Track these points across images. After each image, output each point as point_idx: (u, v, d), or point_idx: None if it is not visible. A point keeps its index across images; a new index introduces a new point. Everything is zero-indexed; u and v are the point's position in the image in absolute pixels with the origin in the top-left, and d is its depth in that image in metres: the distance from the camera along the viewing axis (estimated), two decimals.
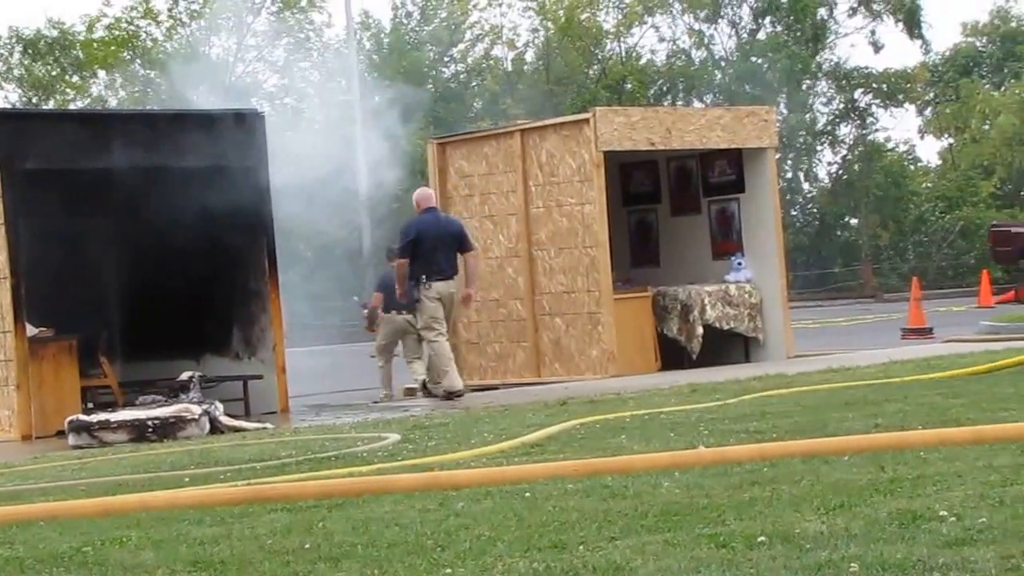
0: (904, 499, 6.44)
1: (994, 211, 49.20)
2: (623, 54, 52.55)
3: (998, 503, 6.12)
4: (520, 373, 19.18)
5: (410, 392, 19.08)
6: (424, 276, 16.80)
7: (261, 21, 49.29)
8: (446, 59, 53.02)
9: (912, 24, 51.61)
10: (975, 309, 31.02)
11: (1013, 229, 41.10)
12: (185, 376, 16.41)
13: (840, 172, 53.19)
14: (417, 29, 52.35)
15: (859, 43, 58.65)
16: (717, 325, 19.13)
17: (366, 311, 19.26)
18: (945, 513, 5.96)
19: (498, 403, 15.06)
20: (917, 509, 6.10)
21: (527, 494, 7.54)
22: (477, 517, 6.94)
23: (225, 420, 14.67)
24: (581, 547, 5.97)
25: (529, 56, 53.39)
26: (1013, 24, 56.05)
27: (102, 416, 14.36)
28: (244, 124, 17.62)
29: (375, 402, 17.78)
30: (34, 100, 46.41)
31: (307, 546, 6.51)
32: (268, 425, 14.91)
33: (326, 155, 20.85)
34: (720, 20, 52.69)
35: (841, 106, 53.02)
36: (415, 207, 17.38)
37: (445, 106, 49.46)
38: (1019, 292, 33.71)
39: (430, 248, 16.90)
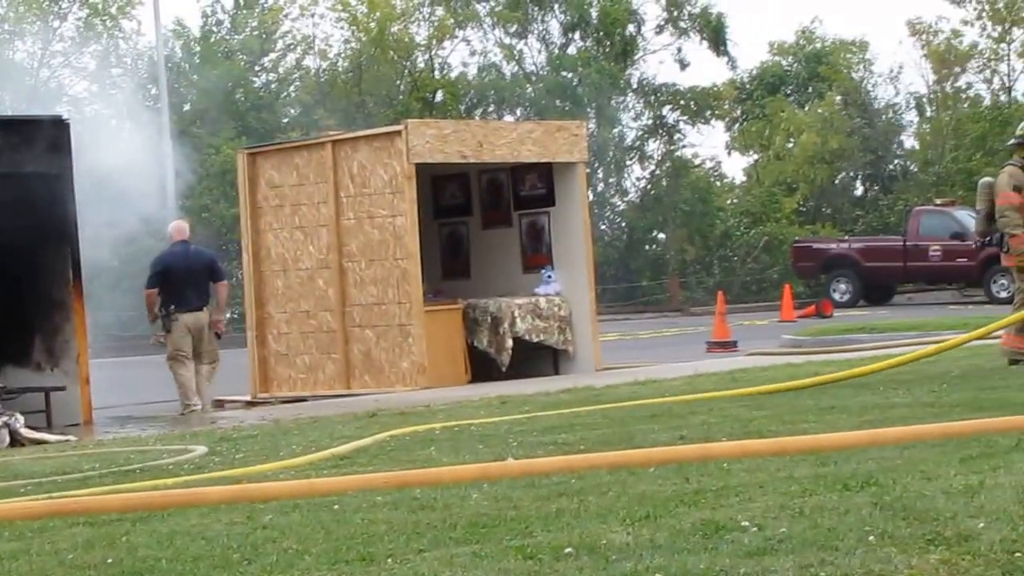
0: (708, 510, 6.54)
1: (796, 227, 50.17)
2: (435, 67, 52.66)
3: (798, 513, 6.23)
4: (330, 385, 19.09)
5: (219, 403, 18.98)
6: (173, 307, 17.63)
7: (68, 27, 48.45)
8: (257, 68, 52.57)
9: (717, 42, 52.43)
10: (777, 323, 31.61)
11: (814, 245, 42.08)
12: None
13: (648, 187, 53.84)
14: (228, 38, 51.84)
15: (667, 60, 59.48)
16: (527, 338, 19.25)
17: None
18: (747, 523, 6.05)
19: (307, 415, 14.98)
20: (720, 520, 6.19)
21: (335, 506, 7.52)
22: (285, 530, 6.90)
23: (26, 432, 14.38)
24: (389, 559, 5.97)
25: (341, 67, 53.22)
26: (818, 44, 57.27)
27: None
28: (48, 130, 17.30)
29: (181, 413, 17.62)
30: None
31: (110, 561, 6.41)
32: (71, 438, 14.66)
33: (134, 162, 20.58)
34: (530, 35, 53.05)
35: (649, 122, 53.69)
36: (168, 238, 18.23)
37: (256, 116, 49.06)
38: (820, 306, 34.46)
39: (179, 280, 17.70)
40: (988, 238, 14.48)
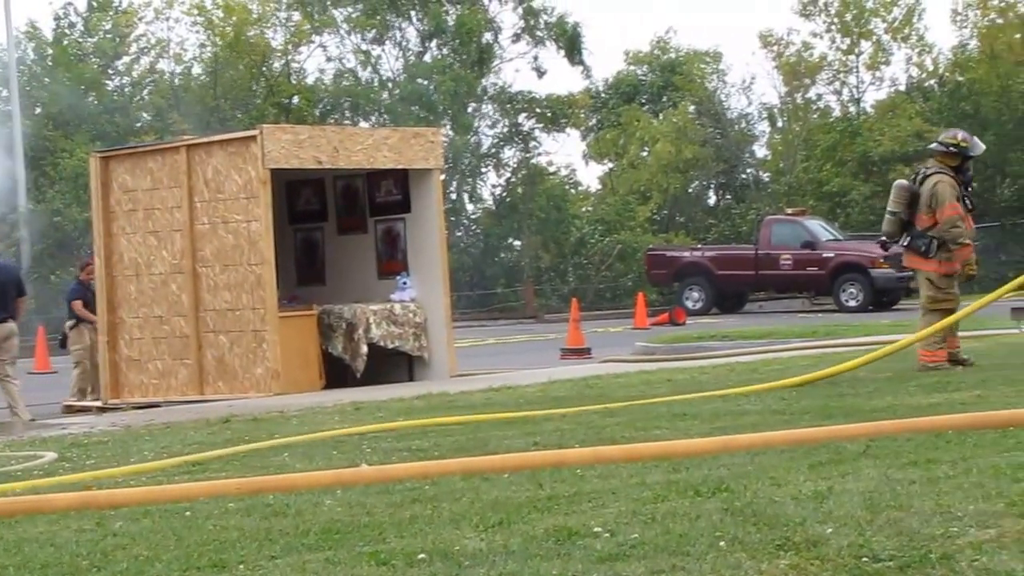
0: (561, 516, 6.57)
1: (650, 235, 50.60)
2: (291, 72, 52.37)
3: (650, 519, 6.29)
4: (183, 390, 18.90)
5: (69, 408, 18.79)
6: None
7: None
8: (111, 72, 51.91)
9: (573, 51, 52.71)
10: (631, 330, 31.86)
11: (668, 253, 42.47)
12: None
13: (504, 194, 54.01)
14: (81, 40, 51.12)
15: (523, 68, 59.74)
16: (382, 344, 19.21)
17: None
18: (600, 529, 6.10)
19: (160, 421, 14.83)
20: (573, 526, 6.23)
21: (187, 513, 7.45)
22: (135, 537, 6.82)
23: None
24: (241, 566, 5.93)
25: (196, 70, 52.74)
26: (672, 55, 57.86)
27: None
28: None
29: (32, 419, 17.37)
30: None
31: None
32: None
33: None
34: (387, 42, 52.95)
35: (505, 129, 53.85)
36: None
37: (109, 119, 48.44)
38: (673, 314, 34.79)
39: None
40: (896, 239, 14.34)
